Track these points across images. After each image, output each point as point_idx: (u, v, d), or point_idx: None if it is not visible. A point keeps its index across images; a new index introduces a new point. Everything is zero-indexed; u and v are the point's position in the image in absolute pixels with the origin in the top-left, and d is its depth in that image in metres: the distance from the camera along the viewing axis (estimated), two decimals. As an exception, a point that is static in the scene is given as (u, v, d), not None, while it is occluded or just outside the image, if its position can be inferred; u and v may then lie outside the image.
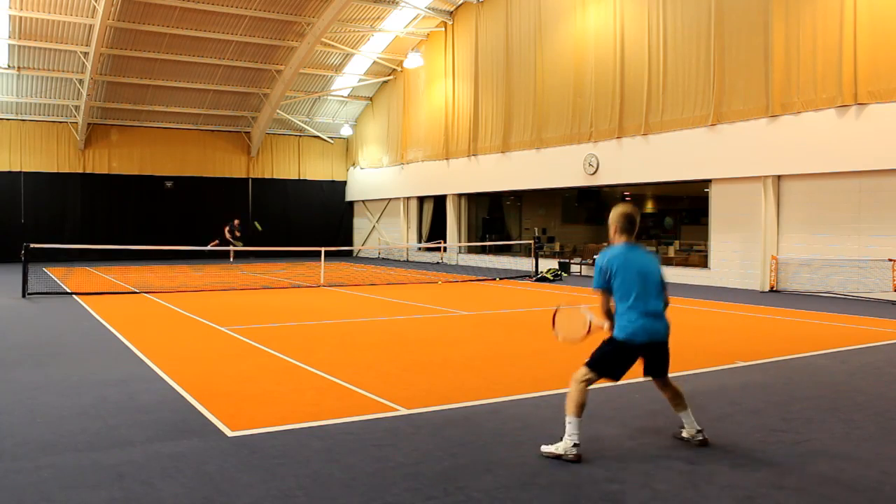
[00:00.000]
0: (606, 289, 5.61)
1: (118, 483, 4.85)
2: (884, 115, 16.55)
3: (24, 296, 16.53)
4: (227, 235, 30.12)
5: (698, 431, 5.74)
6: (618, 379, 5.68)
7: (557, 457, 5.38)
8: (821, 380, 8.17)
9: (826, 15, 17.53)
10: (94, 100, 30.68)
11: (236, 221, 30.99)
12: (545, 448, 5.48)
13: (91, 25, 26.53)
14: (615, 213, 5.75)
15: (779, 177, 18.87)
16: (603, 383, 5.73)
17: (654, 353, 5.65)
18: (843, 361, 9.31)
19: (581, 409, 5.46)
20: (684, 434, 5.81)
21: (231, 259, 30.46)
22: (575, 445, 5.35)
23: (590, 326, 5.86)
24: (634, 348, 5.55)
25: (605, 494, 4.70)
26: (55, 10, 25.88)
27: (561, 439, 5.44)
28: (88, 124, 31.92)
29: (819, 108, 17.76)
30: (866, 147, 16.84)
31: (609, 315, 5.67)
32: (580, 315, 6.04)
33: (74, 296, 16.88)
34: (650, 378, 5.80)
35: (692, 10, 20.72)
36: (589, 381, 5.54)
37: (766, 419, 6.50)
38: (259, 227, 31.86)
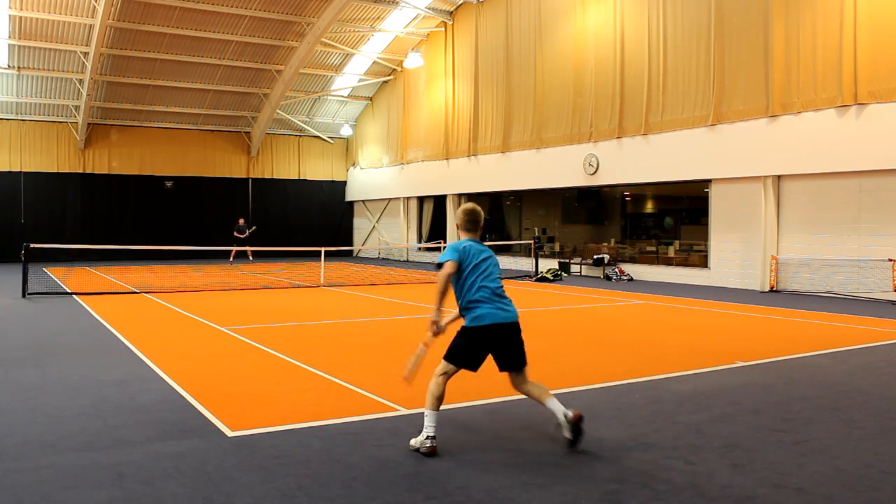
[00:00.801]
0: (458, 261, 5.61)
1: (118, 483, 4.85)
2: (884, 115, 16.55)
3: (24, 296, 16.53)
4: (238, 235, 30.20)
5: (565, 416, 5.57)
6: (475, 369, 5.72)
7: (416, 450, 5.48)
8: (821, 380, 8.17)
9: (826, 15, 17.53)
10: (94, 100, 30.69)
11: (241, 221, 30.93)
12: (411, 441, 5.59)
13: (91, 25, 26.54)
14: (459, 211, 5.88)
15: (779, 177, 18.88)
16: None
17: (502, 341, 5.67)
18: (843, 361, 9.31)
19: (438, 402, 5.57)
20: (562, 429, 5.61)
21: (246, 258, 30.52)
22: (429, 438, 5.44)
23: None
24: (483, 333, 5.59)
25: (605, 494, 4.70)
26: (55, 10, 25.88)
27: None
28: (88, 124, 31.93)
29: (819, 108, 17.76)
30: (866, 147, 16.84)
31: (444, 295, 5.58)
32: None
33: (74, 296, 16.89)
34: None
35: (692, 10, 20.73)
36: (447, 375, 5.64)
37: (766, 419, 6.50)
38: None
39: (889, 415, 6.73)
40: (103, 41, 27.20)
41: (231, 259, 30.21)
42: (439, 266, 5.62)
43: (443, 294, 5.56)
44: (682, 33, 21.07)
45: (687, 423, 6.33)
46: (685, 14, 20.97)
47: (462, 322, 5.72)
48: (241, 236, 29.98)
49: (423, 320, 13.14)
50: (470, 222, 5.84)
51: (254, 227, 31.00)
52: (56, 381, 7.92)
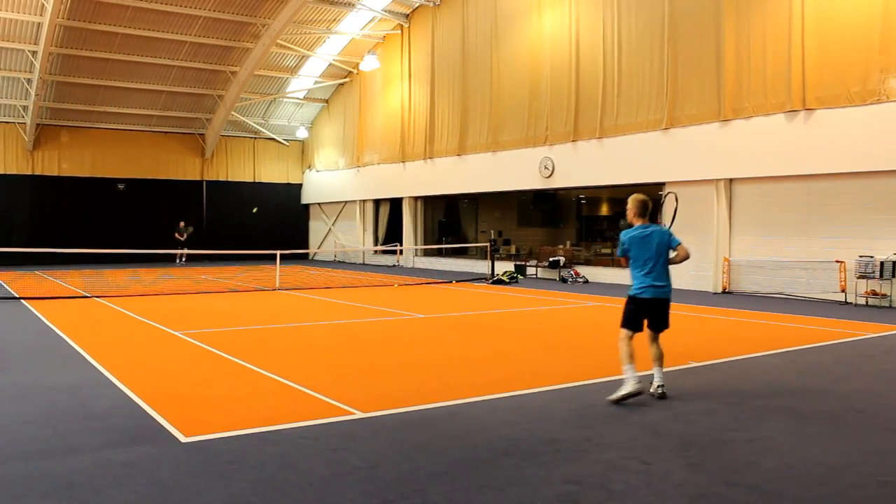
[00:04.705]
0: (624, 256, 7.46)
1: (68, 492, 4.75)
2: (831, 120, 16.91)
3: (-31, 301, 16.13)
4: (178, 237, 30.62)
5: (659, 386, 7.24)
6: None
7: (625, 397, 6.98)
8: (771, 379, 8.32)
9: (775, 22, 17.88)
10: (44, 100, 30.04)
11: (181, 223, 31.42)
12: (611, 396, 7.05)
13: (40, 24, 25.98)
14: (631, 200, 7.50)
15: (730, 180, 19.19)
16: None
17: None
18: (793, 361, 9.50)
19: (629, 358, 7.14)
20: (650, 388, 7.23)
21: (179, 261, 30.67)
22: (637, 382, 6.99)
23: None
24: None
25: (560, 495, 4.73)
26: (2, 8, 25.25)
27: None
28: (37, 125, 31.23)
29: (769, 112, 18.09)
30: (814, 151, 17.19)
31: None
32: None
33: (23, 301, 16.50)
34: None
35: (646, 16, 20.99)
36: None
37: (718, 418, 6.60)
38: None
39: (836, 412, 6.88)
40: (53, 40, 26.62)
41: (178, 261, 30.93)
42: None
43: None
44: (636, 38, 21.32)
45: (642, 424, 6.40)
46: (639, 19, 21.22)
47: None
48: (182, 238, 30.43)
49: (379, 323, 13.12)
50: (644, 208, 7.44)
51: (190, 228, 31.56)
52: (3, 387, 7.72)
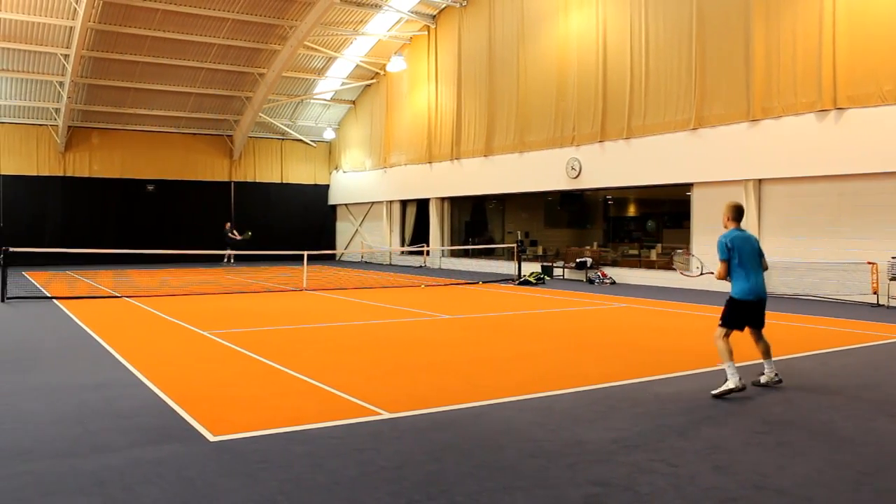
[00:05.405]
0: (727, 259, 7.89)
1: (98, 489, 4.81)
2: (862, 119, 16.70)
3: (2, 300, 16.36)
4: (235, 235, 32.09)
5: (776, 374, 7.78)
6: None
7: (729, 392, 7.23)
8: (801, 382, 8.23)
9: (805, 20, 17.68)
10: (75, 102, 30.46)
11: (227, 225, 32.12)
12: (715, 391, 7.33)
13: (72, 27, 26.35)
14: (727, 206, 8.25)
15: (760, 180, 19.00)
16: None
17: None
18: (823, 363, 9.39)
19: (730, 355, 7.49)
20: (763, 379, 7.79)
21: (231, 261, 31.92)
22: (740, 379, 7.28)
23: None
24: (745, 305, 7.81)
25: (587, 497, 4.71)
26: (35, 12, 25.66)
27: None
28: (69, 127, 31.68)
29: (799, 112, 17.89)
30: (846, 151, 16.98)
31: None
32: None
33: (55, 300, 16.74)
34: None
35: (674, 15, 20.85)
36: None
37: (747, 421, 6.54)
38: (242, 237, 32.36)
39: (867, 416, 6.79)
40: (84, 43, 26.99)
41: (228, 261, 31.86)
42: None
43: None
44: (663, 37, 21.18)
45: (669, 426, 6.35)
46: (667, 18, 21.09)
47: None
48: (238, 238, 31.90)
49: (406, 324, 13.15)
50: (739, 213, 8.21)
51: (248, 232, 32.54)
52: (35, 386, 7.84)
